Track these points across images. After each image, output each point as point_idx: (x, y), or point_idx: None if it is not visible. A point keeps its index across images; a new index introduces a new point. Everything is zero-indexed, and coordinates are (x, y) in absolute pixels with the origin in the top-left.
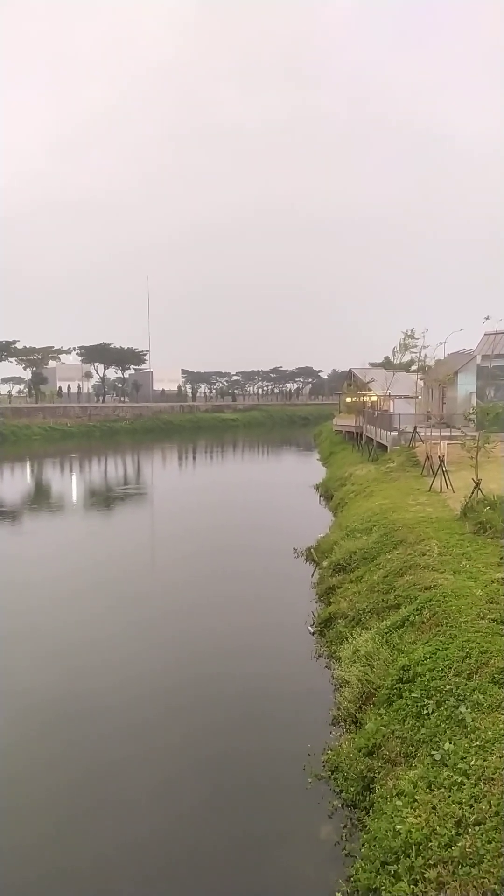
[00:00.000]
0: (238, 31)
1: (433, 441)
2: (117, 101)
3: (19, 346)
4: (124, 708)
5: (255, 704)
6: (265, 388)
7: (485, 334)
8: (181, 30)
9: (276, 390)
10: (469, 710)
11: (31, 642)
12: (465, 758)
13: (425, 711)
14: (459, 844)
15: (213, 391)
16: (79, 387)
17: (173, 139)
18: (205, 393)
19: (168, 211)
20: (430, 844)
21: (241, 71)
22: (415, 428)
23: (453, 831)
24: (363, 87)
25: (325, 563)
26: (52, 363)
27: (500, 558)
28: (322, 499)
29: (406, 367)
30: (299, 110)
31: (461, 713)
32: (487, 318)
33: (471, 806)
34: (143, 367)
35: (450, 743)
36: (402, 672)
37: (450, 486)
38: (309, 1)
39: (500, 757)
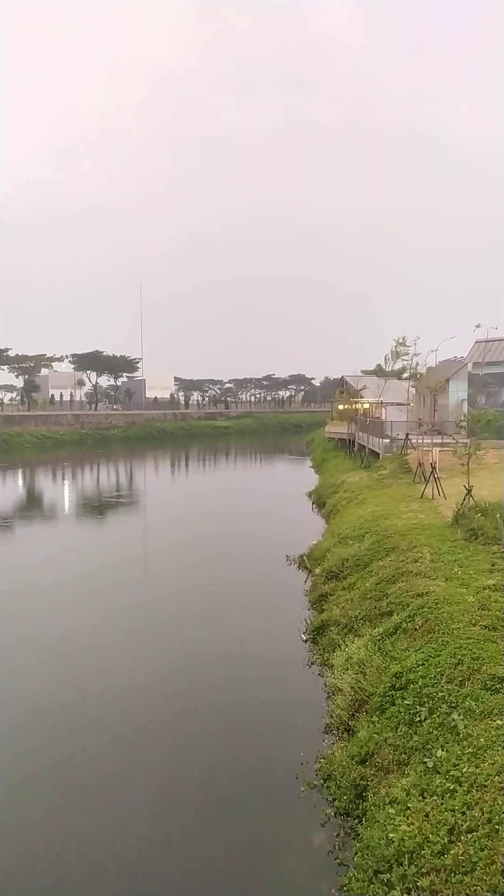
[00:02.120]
0: (235, 40)
1: (425, 448)
2: (115, 109)
3: (11, 353)
4: (118, 717)
5: (249, 713)
6: (258, 396)
7: (476, 342)
8: (179, 38)
9: (269, 398)
10: (461, 717)
11: (25, 651)
12: (458, 765)
13: (418, 719)
14: (452, 852)
15: (206, 399)
16: (71, 394)
17: (171, 147)
18: (197, 400)
19: (163, 219)
20: (422, 852)
21: (239, 79)
22: (406, 435)
23: (446, 839)
24: (359, 95)
25: (317, 571)
26: (44, 371)
27: (492, 565)
28: (314, 506)
29: (398, 374)
30: (295, 118)
31: (453, 720)
32: (478, 326)
33: (463, 813)
34: (135, 374)
35: (442, 750)
36: (394, 679)
37: (441, 493)
38: (305, 10)
39: (493, 764)
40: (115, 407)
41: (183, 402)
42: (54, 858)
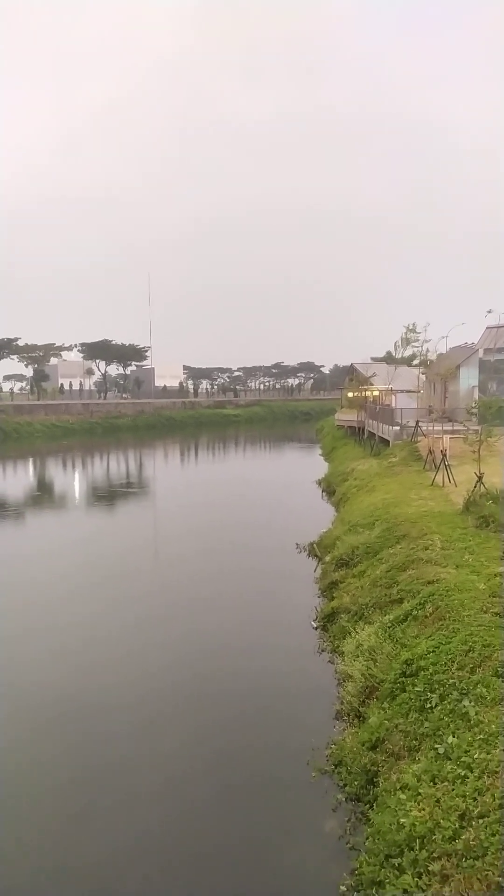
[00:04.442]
0: (240, 25)
1: (435, 435)
2: (119, 97)
3: (21, 343)
4: (130, 704)
5: (260, 700)
6: (267, 384)
7: (487, 328)
8: (183, 24)
9: (278, 386)
10: (472, 703)
11: (36, 639)
12: (469, 751)
13: (428, 705)
14: (463, 837)
15: (215, 387)
16: (80, 383)
17: (176, 135)
18: (206, 389)
19: (170, 207)
20: (433, 837)
21: (244, 65)
22: (417, 422)
23: (457, 824)
24: (365, 81)
25: (327, 559)
26: (53, 360)
27: (503, 552)
28: (324, 494)
29: (408, 361)
30: (302, 104)
31: (464, 707)
32: (490, 312)
33: (474, 799)
34: (144, 363)
35: (453, 736)
36: (405, 666)
37: (452, 481)
38: None
39: None
40: (124, 396)
41: (192, 391)
42: (67, 841)
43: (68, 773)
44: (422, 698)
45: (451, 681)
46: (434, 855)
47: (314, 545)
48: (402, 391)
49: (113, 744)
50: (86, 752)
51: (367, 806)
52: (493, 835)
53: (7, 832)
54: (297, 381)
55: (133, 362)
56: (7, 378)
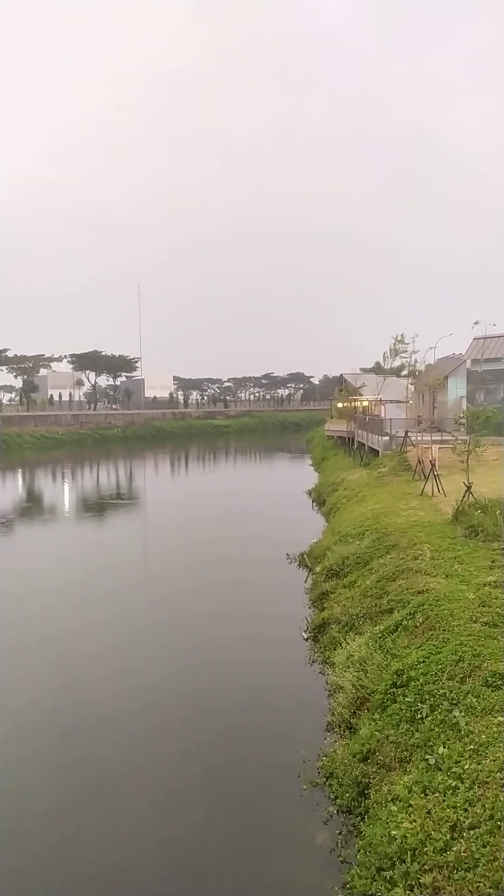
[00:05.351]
0: (233, 41)
1: (424, 445)
2: (113, 110)
3: (10, 354)
4: (120, 720)
5: (250, 713)
6: (257, 395)
7: (474, 339)
8: (177, 40)
9: (268, 396)
10: (463, 713)
11: (26, 655)
12: (460, 762)
13: (419, 716)
14: (455, 849)
15: (205, 398)
16: (70, 395)
17: (169, 148)
18: (196, 400)
19: (161, 219)
20: (425, 849)
21: (237, 80)
22: (406, 432)
23: (448, 836)
24: (358, 96)
25: (317, 569)
26: (43, 371)
27: (492, 561)
28: (314, 504)
29: (396, 372)
30: (294, 119)
31: (455, 717)
32: (476, 323)
33: (465, 810)
34: (134, 374)
35: (444, 747)
36: (395, 677)
37: (441, 490)
38: (302, 11)
39: (495, 760)
40: (114, 407)
41: (182, 402)
42: (61, 858)
43: (61, 789)
44: (412, 709)
45: (441, 691)
46: (425, 867)
47: (304, 556)
48: (391, 401)
49: (104, 761)
50: (78, 769)
51: (359, 818)
52: (485, 846)
53: (2, 848)
54: (286, 392)
55: (123, 373)
56: None
